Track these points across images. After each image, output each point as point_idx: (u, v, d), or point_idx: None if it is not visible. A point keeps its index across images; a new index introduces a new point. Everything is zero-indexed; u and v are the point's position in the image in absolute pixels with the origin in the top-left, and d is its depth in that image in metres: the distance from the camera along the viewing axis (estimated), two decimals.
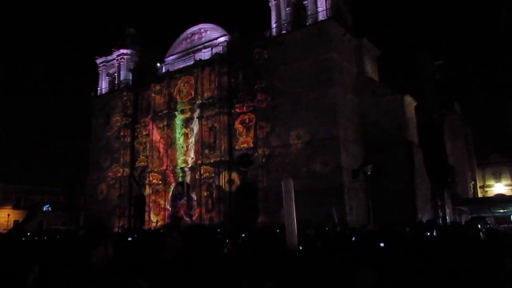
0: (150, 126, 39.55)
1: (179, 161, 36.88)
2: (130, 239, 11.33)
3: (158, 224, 35.29)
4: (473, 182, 54.02)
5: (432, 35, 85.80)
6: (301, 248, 6.21)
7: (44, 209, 54.60)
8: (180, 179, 36.70)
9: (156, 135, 39.00)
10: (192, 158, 36.02)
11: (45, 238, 15.17)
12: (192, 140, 36.53)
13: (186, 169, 36.19)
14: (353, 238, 9.02)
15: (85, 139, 45.85)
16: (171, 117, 38.08)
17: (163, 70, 40.66)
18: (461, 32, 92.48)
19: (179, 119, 37.68)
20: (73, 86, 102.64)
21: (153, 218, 37.10)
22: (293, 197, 6.01)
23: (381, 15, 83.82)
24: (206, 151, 35.23)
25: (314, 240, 8.48)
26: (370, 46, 35.15)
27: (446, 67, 32.61)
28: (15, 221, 47.25)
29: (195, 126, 36.38)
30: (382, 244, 6.72)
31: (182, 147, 37.06)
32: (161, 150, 38.41)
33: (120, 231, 33.42)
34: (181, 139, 37.29)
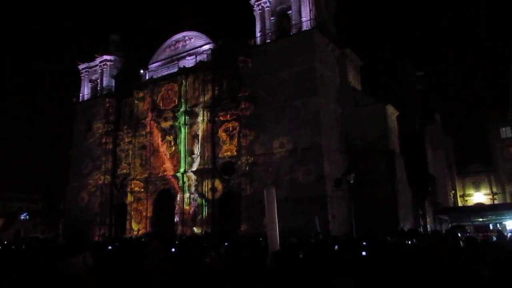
0: (133, 133, 39.16)
1: (162, 169, 36.59)
2: (111, 247, 11.17)
3: (140, 232, 34.86)
4: (453, 191, 54.90)
5: (413, 46, 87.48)
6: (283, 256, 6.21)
7: (22, 217, 53.48)
8: (162, 187, 36.41)
9: (138, 142, 38.64)
10: (175, 165, 35.79)
11: (23, 247, 14.83)
12: (175, 147, 36.32)
13: (169, 176, 35.91)
14: (336, 247, 9.07)
15: (66, 145, 45.10)
16: (154, 124, 37.80)
17: (147, 77, 40.36)
18: (442, 44, 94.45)
19: (162, 126, 37.43)
20: (55, 92, 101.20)
21: (134, 226, 36.63)
22: (276, 206, 6.02)
23: (364, 26, 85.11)
24: (189, 159, 35.05)
25: (297, 248, 8.49)
26: (353, 56, 35.58)
27: (427, 77, 33.26)
28: None
29: (178, 133, 36.18)
30: (364, 253, 6.77)
31: (165, 155, 36.79)
32: (144, 157, 38.05)
33: (100, 239, 32.92)
34: (164, 146, 37.02)
